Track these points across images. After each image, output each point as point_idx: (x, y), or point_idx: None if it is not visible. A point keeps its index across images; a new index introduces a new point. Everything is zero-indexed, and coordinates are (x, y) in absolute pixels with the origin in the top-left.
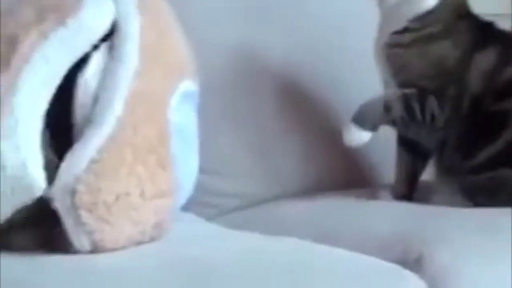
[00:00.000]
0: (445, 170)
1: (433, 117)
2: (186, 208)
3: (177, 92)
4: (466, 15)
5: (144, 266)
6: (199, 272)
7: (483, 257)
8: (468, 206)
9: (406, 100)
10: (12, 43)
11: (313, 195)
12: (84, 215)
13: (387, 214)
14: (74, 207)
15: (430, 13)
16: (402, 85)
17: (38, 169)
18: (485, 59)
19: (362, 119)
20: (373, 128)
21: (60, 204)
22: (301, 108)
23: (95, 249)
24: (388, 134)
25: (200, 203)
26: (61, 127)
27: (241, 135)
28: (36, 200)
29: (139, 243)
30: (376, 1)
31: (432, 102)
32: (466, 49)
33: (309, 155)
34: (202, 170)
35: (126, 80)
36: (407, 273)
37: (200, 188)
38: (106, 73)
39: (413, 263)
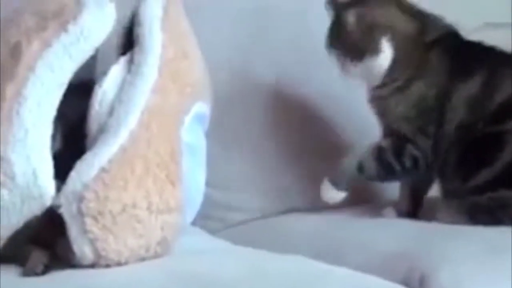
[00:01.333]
0: (447, 191)
1: (415, 162)
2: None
3: (191, 112)
4: (433, 44)
5: (149, 281)
6: (205, 286)
7: (486, 276)
8: (471, 225)
9: (380, 156)
10: (16, 52)
11: (317, 211)
12: (89, 222)
13: (392, 232)
14: (80, 214)
15: (394, 66)
16: (385, 131)
17: (49, 178)
18: (469, 86)
19: (336, 180)
20: (347, 188)
21: (66, 211)
22: (307, 125)
23: (97, 260)
24: None
25: (205, 216)
26: (74, 135)
27: (248, 150)
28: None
29: (143, 258)
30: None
31: (410, 149)
32: (443, 82)
33: (313, 171)
34: (207, 183)
35: (143, 94)
36: None
37: (205, 201)
38: (124, 86)
39: (417, 282)
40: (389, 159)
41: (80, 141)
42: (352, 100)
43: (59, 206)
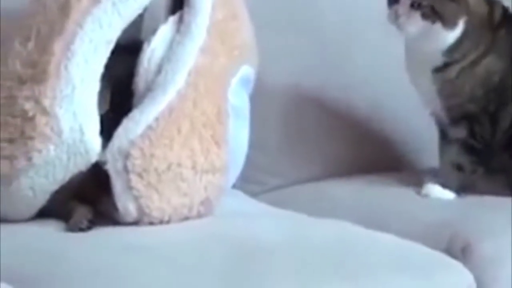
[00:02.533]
0: (492, 166)
1: (483, 140)
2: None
3: (238, 75)
4: (499, 24)
5: (191, 241)
6: (246, 249)
7: None
8: None
9: (472, 149)
10: (65, 8)
11: (355, 177)
12: (134, 179)
13: (434, 201)
14: (125, 171)
15: (460, 45)
16: (451, 116)
17: (95, 134)
18: None
19: (447, 185)
20: (462, 190)
21: (111, 167)
22: (350, 92)
23: (140, 217)
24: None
25: (246, 179)
26: (121, 94)
27: (291, 115)
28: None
29: (185, 218)
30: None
31: (479, 130)
32: (509, 60)
33: (350, 138)
34: (250, 146)
35: (191, 54)
36: (452, 261)
37: (246, 164)
38: (173, 45)
39: (459, 252)
40: (472, 143)
41: (127, 100)
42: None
43: (104, 163)
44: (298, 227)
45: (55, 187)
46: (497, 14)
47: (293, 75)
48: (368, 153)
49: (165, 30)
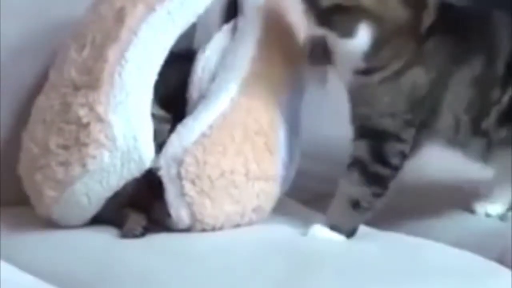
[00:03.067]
0: None
1: (403, 155)
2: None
3: (291, 83)
4: (433, 28)
5: (244, 247)
6: (300, 257)
7: None
8: None
9: (364, 172)
10: (120, 15)
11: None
12: (187, 186)
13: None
14: (178, 178)
15: (381, 49)
16: (358, 129)
17: (148, 141)
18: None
19: (336, 225)
20: (352, 232)
21: (165, 174)
22: None
23: (193, 224)
24: None
25: (296, 187)
26: (174, 102)
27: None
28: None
29: (237, 225)
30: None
31: (393, 146)
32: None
33: None
34: (302, 154)
35: (244, 62)
36: (505, 270)
37: (297, 171)
38: (227, 53)
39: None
40: (376, 169)
41: (180, 108)
42: None
43: (158, 169)
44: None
45: (109, 193)
46: (426, 19)
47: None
48: None
49: (219, 38)
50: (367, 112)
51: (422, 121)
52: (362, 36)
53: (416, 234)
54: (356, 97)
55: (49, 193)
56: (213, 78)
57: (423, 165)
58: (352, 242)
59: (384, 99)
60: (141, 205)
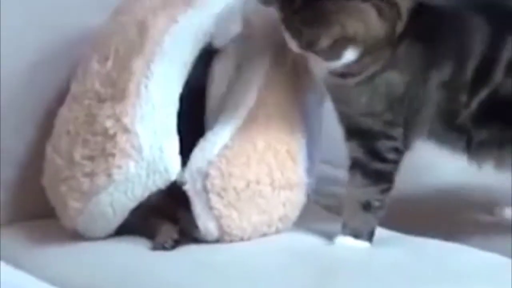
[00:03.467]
0: None
1: (397, 151)
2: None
3: (309, 89)
4: (406, 31)
5: (273, 257)
6: (325, 267)
7: None
8: None
9: (365, 171)
10: (143, 28)
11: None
12: (214, 199)
13: None
14: (205, 191)
15: (360, 59)
16: (347, 128)
17: (174, 153)
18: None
19: (357, 233)
20: (370, 238)
21: (191, 187)
22: None
23: (221, 236)
24: None
25: (319, 193)
26: (194, 113)
27: None
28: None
29: (264, 234)
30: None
31: (384, 144)
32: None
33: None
34: (323, 160)
35: (261, 73)
36: None
37: (320, 177)
38: (242, 64)
39: None
40: (376, 166)
41: (198, 116)
42: None
43: (184, 183)
44: (378, 243)
45: (133, 204)
46: (400, 26)
47: None
48: None
49: (234, 49)
50: (347, 111)
51: (406, 119)
52: (348, 58)
53: (444, 237)
54: (334, 95)
55: (74, 204)
56: (228, 90)
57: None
58: (377, 247)
59: (361, 99)
60: (170, 216)
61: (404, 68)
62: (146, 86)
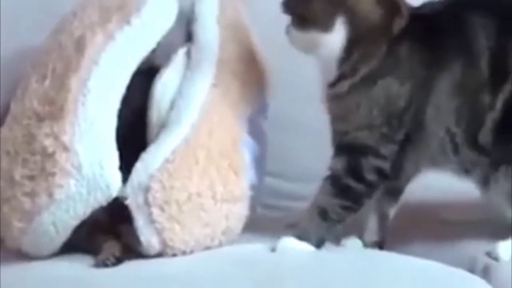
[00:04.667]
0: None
1: (380, 172)
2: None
3: (252, 103)
4: (402, 36)
5: (216, 268)
6: (269, 278)
7: None
8: None
9: (336, 184)
10: (80, 45)
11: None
12: (156, 212)
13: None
14: (146, 205)
15: (351, 54)
16: (337, 146)
17: (114, 169)
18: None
19: (303, 236)
20: (318, 244)
21: (133, 202)
22: None
23: (163, 249)
24: None
25: (268, 206)
26: (135, 126)
27: (313, 140)
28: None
29: (207, 248)
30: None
31: (370, 161)
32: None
33: None
34: (272, 173)
35: (203, 90)
36: (475, 277)
37: (267, 191)
38: (184, 81)
39: (481, 273)
40: (348, 182)
41: (141, 131)
42: None
43: (125, 198)
44: (320, 254)
45: (76, 222)
46: (398, 24)
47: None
48: None
49: (176, 63)
50: (344, 127)
51: (406, 136)
52: (339, 31)
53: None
54: (333, 112)
55: (17, 224)
56: (172, 105)
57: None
58: (319, 253)
59: (359, 111)
60: (114, 231)
61: (405, 73)
62: (83, 104)
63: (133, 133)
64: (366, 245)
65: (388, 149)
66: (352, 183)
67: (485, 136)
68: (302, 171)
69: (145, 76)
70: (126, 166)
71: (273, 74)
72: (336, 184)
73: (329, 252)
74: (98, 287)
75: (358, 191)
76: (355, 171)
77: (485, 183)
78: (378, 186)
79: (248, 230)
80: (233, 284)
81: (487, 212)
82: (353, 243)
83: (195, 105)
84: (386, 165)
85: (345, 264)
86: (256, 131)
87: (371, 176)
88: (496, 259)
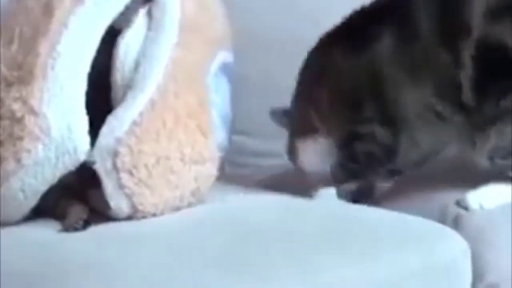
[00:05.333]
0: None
1: (370, 156)
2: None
3: (215, 62)
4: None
5: (186, 228)
6: (240, 231)
7: None
8: None
9: (344, 169)
10: (48, 9)
11: None
12: (125, 177)
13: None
14: (115, 169)
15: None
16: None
17: (83, 133)
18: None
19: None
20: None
21: (101, 167)
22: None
23: (133, 213)
24: None
25: (236, 164)
26: (99, 88)
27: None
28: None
29: (177, 209)
30: None
31: (357, 146)
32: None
33: None
34: (237, 131)
35: (166, 50)
36: (447, 229)
37: (235, 149)
38: (147, 42)
39: (451, 223)
40: (347, 165)
41: (105, 92)
42: None
43: (93, 163)
44: (292, 208)
45: (44, 187)
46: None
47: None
48: None
49: (138, 24)
50: None
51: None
52: None
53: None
54: None
55: None
56: (136, 66)
57: None
58: (294, 212)
59: None
60: (82, 195)
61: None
62: (52, 68)
63: (99, 96)
64: (340, 195)
65: (381, 132)
66: (350, 165)
67: (467, 96)
68: (268, 128)
69: (106, 38)
70: (95, 130)
71: (237, 31)
72: (343, 169)
73: (302, 208)
74: (69, 249)
75: (357, 171)
76: (348, 155)
77: (471, 145)
78: (377, 168)
79: (217, 188)
80: (204, 241)
81: (457, 162)
82: (327, 193)
83: (159, 66)
84: (379, 150)
85: (318, 220)
86: (221, 89)
87: (362, 158)
88: (466, 208)
